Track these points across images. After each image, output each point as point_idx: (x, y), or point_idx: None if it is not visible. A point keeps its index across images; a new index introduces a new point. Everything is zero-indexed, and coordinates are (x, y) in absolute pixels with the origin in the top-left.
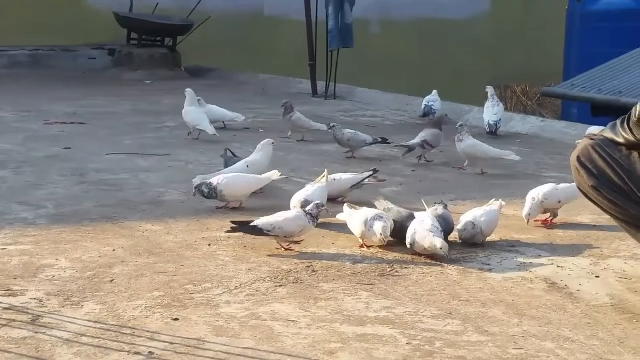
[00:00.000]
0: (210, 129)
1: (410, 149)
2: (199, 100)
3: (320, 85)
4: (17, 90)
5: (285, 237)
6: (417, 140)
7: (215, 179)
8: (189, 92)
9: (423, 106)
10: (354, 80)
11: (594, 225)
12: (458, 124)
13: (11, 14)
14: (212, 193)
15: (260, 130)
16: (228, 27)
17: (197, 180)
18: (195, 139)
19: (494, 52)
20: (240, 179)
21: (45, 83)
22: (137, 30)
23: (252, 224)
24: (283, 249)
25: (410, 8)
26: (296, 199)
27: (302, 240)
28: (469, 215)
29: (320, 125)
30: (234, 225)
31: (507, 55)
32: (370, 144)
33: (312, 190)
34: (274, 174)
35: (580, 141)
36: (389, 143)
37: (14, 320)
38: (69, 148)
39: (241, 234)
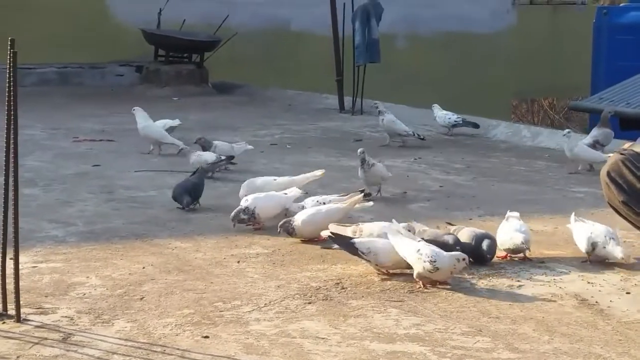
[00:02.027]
0: (179, 142)
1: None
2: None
3: (347, 100)
4: (46, 107)
5: (377, 265)
6: (588, 139)
7: (247, 202)
8: (137, 110)
9: (448, 121)
10: (380, 94)
11: (624, 241)
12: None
13: (40, 32)
14: (250, 217)
15: (288, 146)
16: (255, 43)
17: (232, 214)
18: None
19: (521, 66)
20: (272, 199)
21: (73, 100)
22: (165, 47)
23: (351, 240)
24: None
25: (437, 22)
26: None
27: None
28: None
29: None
30: (332, 235)
31: (534, 68)
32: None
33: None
34: (296, 191)
35: (610, 155)
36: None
37: (46, 339)
38: (98, 165)
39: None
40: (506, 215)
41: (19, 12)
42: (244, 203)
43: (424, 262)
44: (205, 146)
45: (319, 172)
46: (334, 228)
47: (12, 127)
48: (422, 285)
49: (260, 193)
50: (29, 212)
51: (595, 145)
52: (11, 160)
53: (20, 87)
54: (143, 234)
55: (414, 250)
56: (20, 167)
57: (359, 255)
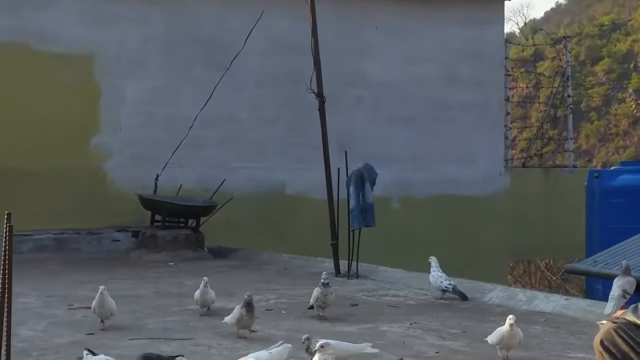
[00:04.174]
0: None
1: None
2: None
3: (343, 263)
4: (41, 274)
5: None
6: (617, 290)
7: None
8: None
9: (439, 284)
10: (376, 257)
11: None
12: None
13: (38, 198)
14: None
15: (283, 311)
16: (250, 206)
17: None
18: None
19: (515, 228)
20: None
21: (69, 266)
22: (161, 212)
23: None
24: None
25: (431, 185)
26: None
27: None
28: None
29: None
30: None
31: (528, 230)
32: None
33: None
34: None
35: (603, 322)
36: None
37: None
38: (92, 334)
39: None
40: None
41: (17, 179)
42: None
43: None
44: None
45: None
46: None
47: (5, 303)
48: None
49: None
50: None
51: (625, 294)
52: (4, 335)
53: (16, 253)
54: None
55: None
56: (13, 337)
57: None
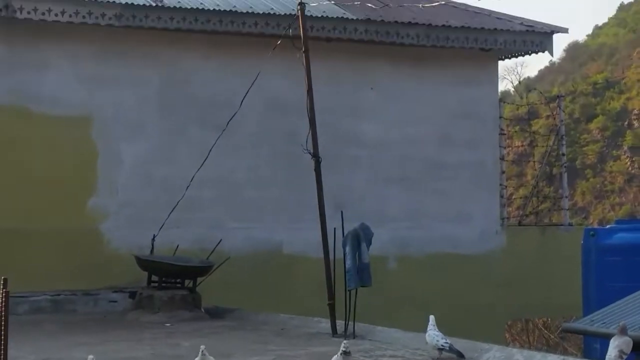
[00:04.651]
0: None
1: None
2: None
3: (340, 323)
4: (37, 336)
5: None
6: (613, 351)
7: None
8: None
9: (435, 343)
10: (373, 316)
11: None
12: None
13: (35, 260)
14: None
15: None
16: (247, 266)
17: None
18: None
19: (512, 286)
20: None
21: (66, 328)
22: (158, 273)
23: None
24: None
25: (427, 244)
26: None
27: None
28: None
29: None
30: None
31: (525, 289)
32: None
33: None
34: None
35: None
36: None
37: None
38: None
39: None
40: None
41: (14, 240)
42: None
43: None
44: None
45: None
46: None
47: None
48: None
49: None
50: None
51: (621, 355)
52: None
53: (13, 315)
54: None
55: None
56: None
57: None
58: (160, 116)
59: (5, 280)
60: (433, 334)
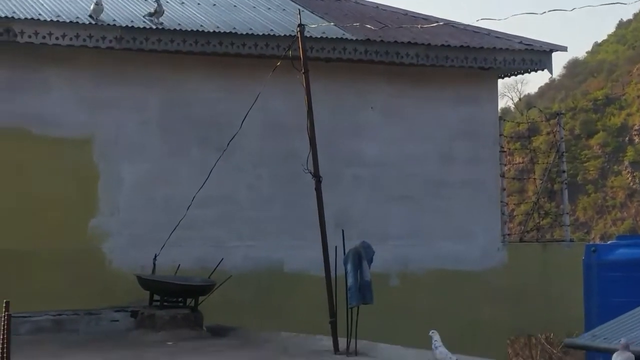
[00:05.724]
0: None
1: None
2: None
3: (342, 341)
4: (39, 356)
5: None
6: None
7: None
8: None
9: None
10: (374, 334)
11: None
12: None
13: (37, 280)
14: None
15: None
16: (249, 285)
17: None
18: None
19: (514, 303)
20: None
21: (67, 348)
22: (159, 292)
23: None
24: None
25: (428, 261)
26: None
27: None
28: None
29: None
30: None
31: (527, 304)
32: None
33: None
34: None
35: None
36: None
37: None
38: None
39: None
40: None
41: (16, 261)
42: None
43: None
44: None
45: None
46: None
47: None
48: None
49: None
50: None
51: None
52: None
53: (15, 335)
54: None
55: None
56: None
57: None
58: (160, 137)
59: (7, 302)
60: (444, 351)
